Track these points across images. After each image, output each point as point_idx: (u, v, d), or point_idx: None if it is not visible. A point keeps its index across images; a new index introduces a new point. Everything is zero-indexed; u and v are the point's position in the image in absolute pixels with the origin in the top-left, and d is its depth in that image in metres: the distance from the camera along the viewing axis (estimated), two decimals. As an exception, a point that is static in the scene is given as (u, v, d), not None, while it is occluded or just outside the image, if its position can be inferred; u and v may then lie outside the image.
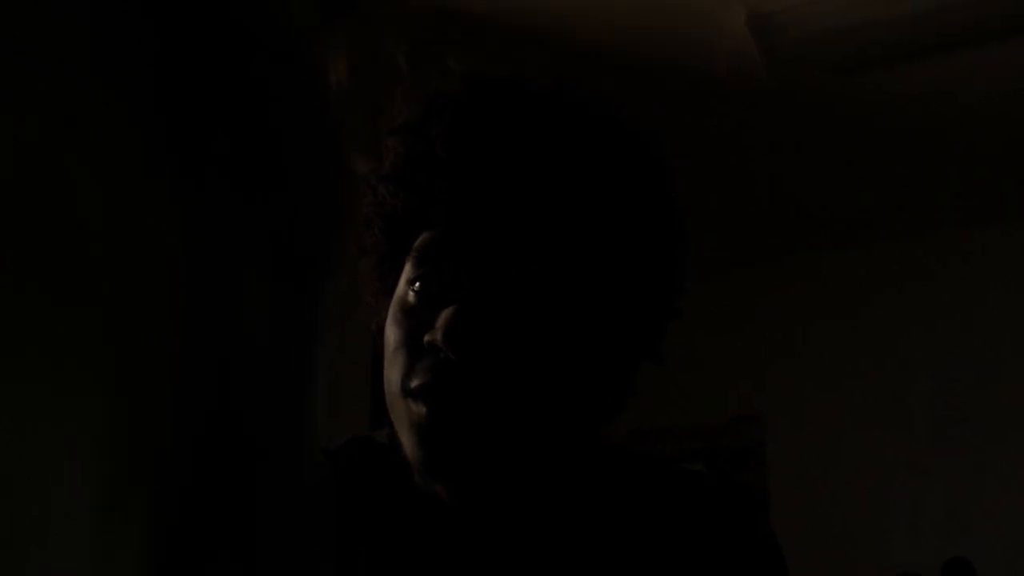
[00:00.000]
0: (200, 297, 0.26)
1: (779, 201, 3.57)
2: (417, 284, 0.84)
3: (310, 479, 0.29)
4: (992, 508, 3.51)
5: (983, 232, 3.73)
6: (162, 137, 0.25)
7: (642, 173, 0.87)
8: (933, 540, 3.49)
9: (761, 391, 3.90)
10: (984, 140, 3.23)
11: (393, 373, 0.83)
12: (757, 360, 3.92)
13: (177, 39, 0.26)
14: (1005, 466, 3.53)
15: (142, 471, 0.25)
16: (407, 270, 0.85)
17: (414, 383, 0.81)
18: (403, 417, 0.82)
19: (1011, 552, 3.42)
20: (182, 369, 0.25)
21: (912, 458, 3.66)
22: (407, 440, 0.82)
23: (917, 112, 3.07)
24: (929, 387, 3.70)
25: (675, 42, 2.72)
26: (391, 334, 0.85)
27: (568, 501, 0.88)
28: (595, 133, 0.85)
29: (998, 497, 3.52)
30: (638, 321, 0.88)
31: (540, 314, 0.81)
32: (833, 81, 2.91)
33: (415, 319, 0.83)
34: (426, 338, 0.81)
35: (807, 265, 3.94)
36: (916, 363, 3.73)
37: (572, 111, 0.86)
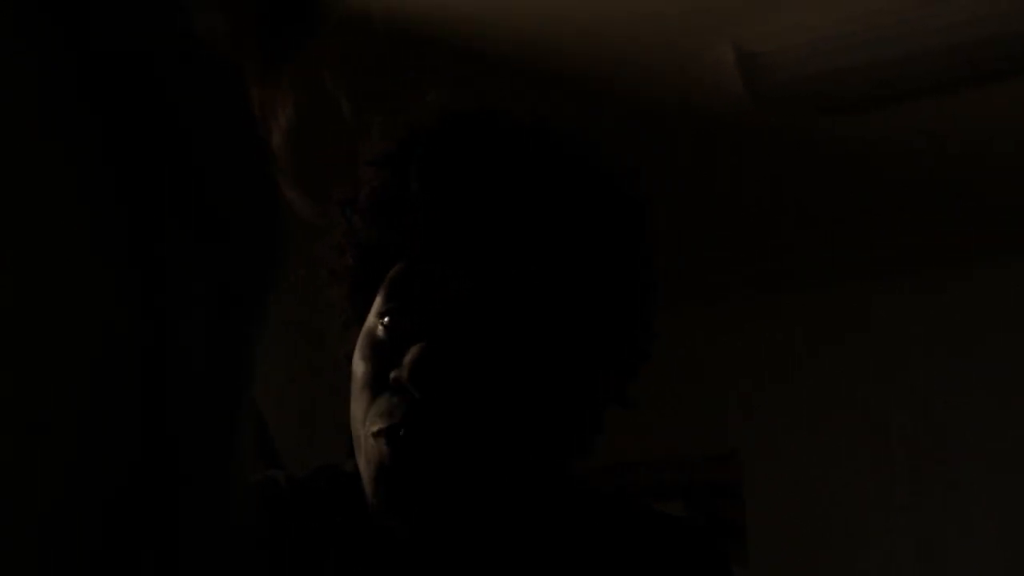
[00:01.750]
0: (139, 328, 0.26)
1: (759, 238, 3.58)
2: (386, 318, 0.83)
3: (239, 510, 0.29)
4: (967, 548, 3.51)
5: (963, 272, 3.74)
6: (109, 184, 0.26)
7: (614, 214, 0.87)
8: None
9: (739, 427, 3.89)
10: (967, 182, 3.25)
11: (358, 409, 0.83)
12: (735, 396, 3.92)
13: (120, 102, 0.26)
14: (981, 507, 3.53)
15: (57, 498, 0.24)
16: (378, 302, 0.85)
17: (378, 421, 0.80)
18: (366, 454, 0.81)
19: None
20: (108, 409, 0.25)
21: (888, 497, 3.66)
22: (367, 477, 0.82)
23: (902, 154, 3.08)
24: (906, 426, 3.71)
25: (663, 79, 2.74)
26: (358, 368, 0.84)
27: (526, 541, 0.88)
28: (569, 172, 0.85)
29: (974, 537, 3.52)
30: (604, 363, 0.88)
31: (507, 355, 0.81)
32: (820, 121, 2.92)
33: (383, 354, 0.82)
34: (392, 375, 0.80)
35: (787, 302, 3.94)
36: (893, 402, 3.74)
37: (547, 148, 0.86)
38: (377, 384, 0.82)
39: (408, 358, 0.79)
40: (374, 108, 0.88)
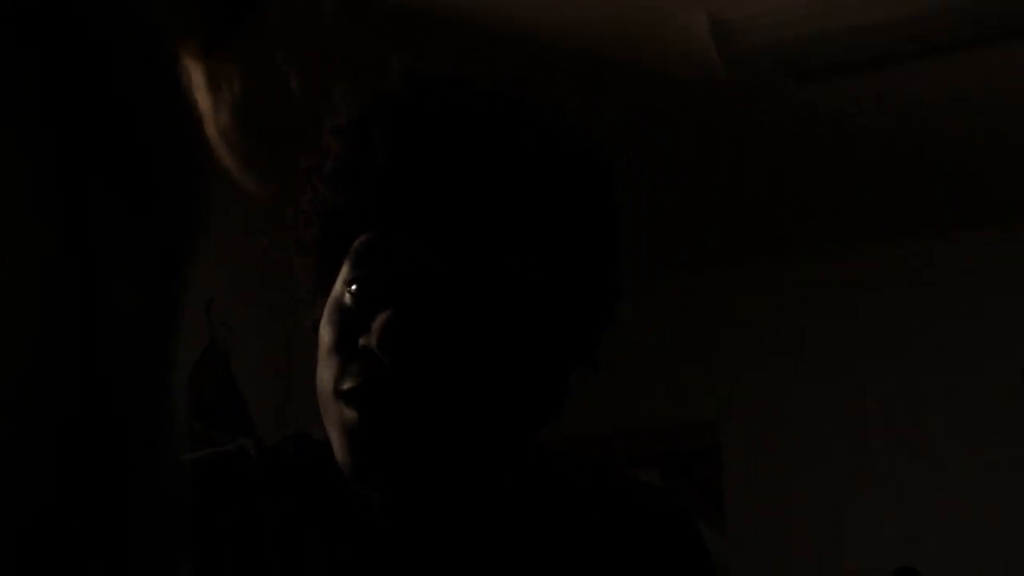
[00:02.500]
0: (69, 294, 0.26)
1: (735, 206, 3.58)
2: (353, 286, 0.83)
3: (173, 477, 0.29)
4: (945, 516, 3.55)
5: (940, 239, 3.76)
6: (43, 148, 0.25)
7: (580, 178, 0.87)
8: (886, 546, 3.52)
9: (717, 395, 3.91)
10: (943, 148, 3.26)
11: (326, 374, 0.83)
12: (713, 364, 3.94)
13: (54, 62, 0.26)
14: (960, 471, 3.56)
15: None
16: (344, 271, 0.85)
17: (346, 386, 0.80)
18: (335, 420, 0.82)
19: (961, 560, 3.45)
20: (42, 371, 0.25)
21: (866, 464, 3.68)
22: (337, 443, 0.82)
23: (877, 120, 3.09)
24: (885, 394, 3.73)
25: (635, 45, 2.73)
26: (325, 334, 0.84)
27: (497, 505, 0.88)
28: (535, 137, 0.85)
29: (951, 505, 3.55)
30: (572, 327, 0.88)
31: (474, 320, 0.81)
32: (793, 88, 2.92)
33: (350, 321, 0.82)
34: (360, 341, 0.80)
35: (764, 269, 3.96)
36: (872, 370, 3.76)
37: (513, 114, 0.86)
38: (345, 350, 0.82)
39: (376, 324, 0.79)
40: (336, 75, 0.88)
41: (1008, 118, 3.09)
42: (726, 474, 3.86)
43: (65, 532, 0.25)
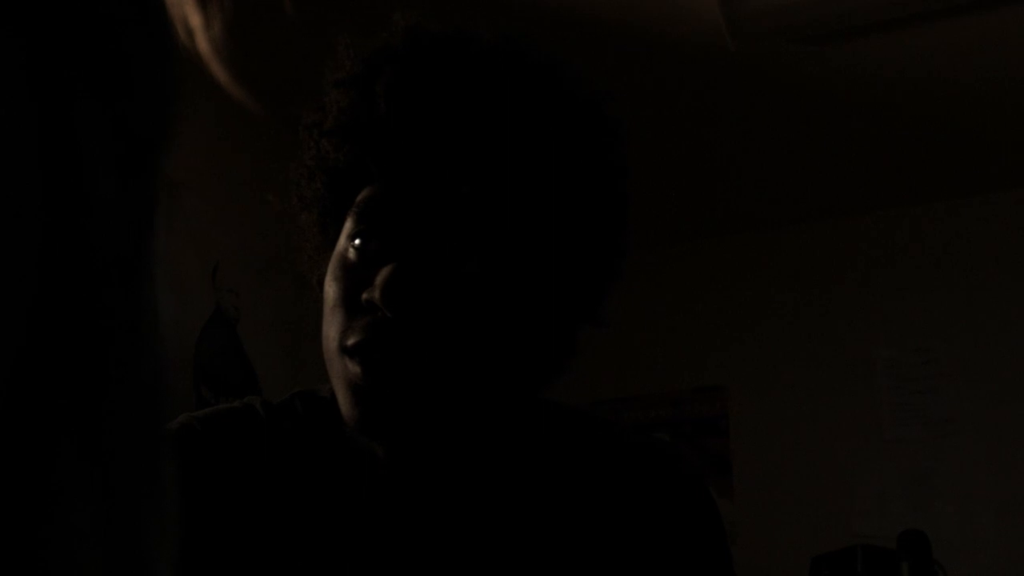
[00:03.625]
0: (47, 176, 0.26)
1: (743, 171, 3.57)
2: (357, 240, 0.84)
3: (154, 366, 0.29)
4: (952, 481, 3.55)
5: (948, 206, 3.75)
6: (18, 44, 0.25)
7: (585, 132, 0.87)
8: (894, 512, 3.53)
9: (725, 361, 3.91)
10: (946, 114, 3.23)
11: (331, 330, 0.83)
12: (721, 330, 3.94)
13: None
14: (968, 439, 3.56)
15: None
16: (348, 225, 0.85)
17: (350, 341, 0.80)
18: (339, 374, 0.82)
19: (969, 525, 3.46)
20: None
21: (875, 431, 3.69)
22: (343, 398, 0.82)
23: (883, 84, 3.07)
24: (893, 359, 3.73)
25: (640, 9, 2.71)
26: (330, 290, 0.84)
27: (501, 459, 0.89)
28: (538, 90, 0.85)
29: (961, 469, 3.55)
30: (576, 282, 0.88)
31: (477, 273, 0.81)
32: (799, 51, 2.90)
33: (354, 276, 0.83)
34: (364, 296, 0.80)
35: (772, 236, 3.95)
36: (880, 335, 3.76)
37: (516, 68, 0.85)
38: (349, 305, 0.82)
39: (379, 279, 0.79)
40: (338, 28, 0.87)
41: (1021, 84, 3.07)
42: (734, 440, 3.86)
43: (36, 407, 0.25)
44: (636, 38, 2.82)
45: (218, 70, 0.37)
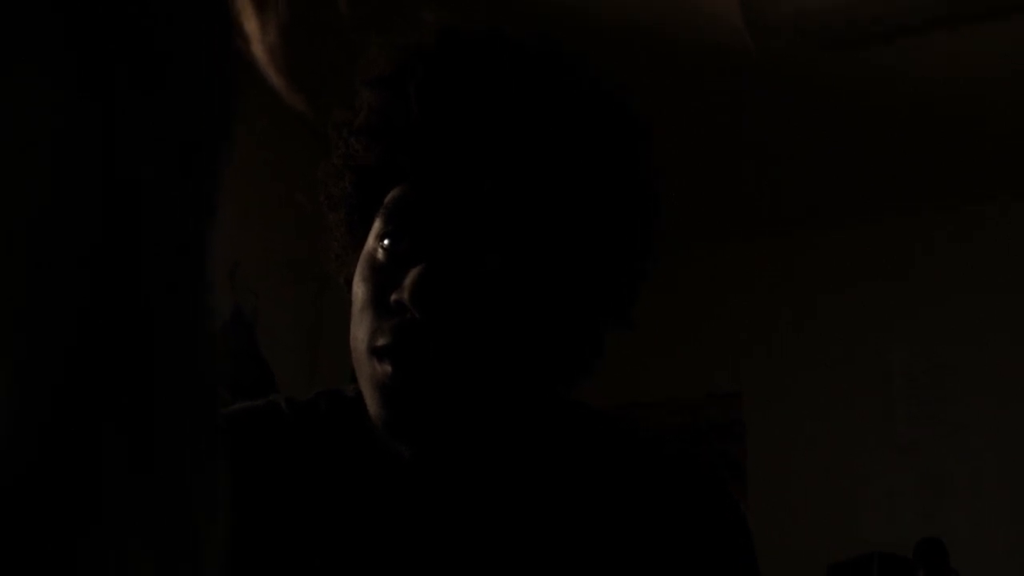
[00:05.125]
0: (93, 167, 0.26)
1: (763, 177, 3.56)
2: (386, 241, 0.83)
3: (207, 353, 0.29)
4: (968, 488, 3.53)
5: (967, 211, 3.74)
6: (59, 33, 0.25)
7: (615, 134, 0.86)
8: (908, 518, 3.51)
9: (740, 367, 3.90)
10: (972, 119, 3.22)
11: (360, 331, 0.83)
12: (737, 336, 3.93)
13: None
14: (983, 445, 3.55)
15: (14, 321, 0.24)
16: (377, 225, 0.85)
17: (380, 342, 0.80)
18: (368, 376, 0.82)
19: (985, 532, 3.44)
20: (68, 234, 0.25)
21: (889, 436, 3.67)
22: (371, 399, 0.82)
23: (905, 89, 3.06)
24: (908, 365, 3.71)
25: (665, 12, 2.71)
26: (359, 291, 0.84)
27: (526, 459, 0.88)
28: (569, 91, 0.85)
29: (974, 477, 3.53)
30: (604, 282, 0.87)
31: (507, 275, 0.81)
32: (822, 56, 2.90)
33: (383, 277, 0.82)
34: (393, 297, 0.80)
35: (789, 242, 3.94)
36: (896, 341, 3.74)
37: (548, 68, 0.85)
38: (378, 306, 0.82)
39: (408, 280, 0.79)
40: (370, 28, 0.87)
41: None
42: (749, 446, 3.85)
43: (87, 395, 0.25)
44: (659, 42, 2.82)
45: (274, 76, 0.37)
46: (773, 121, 3.22)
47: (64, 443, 0.25)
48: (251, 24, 0.35)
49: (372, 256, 0.84)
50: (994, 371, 3.59)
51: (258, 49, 0.36)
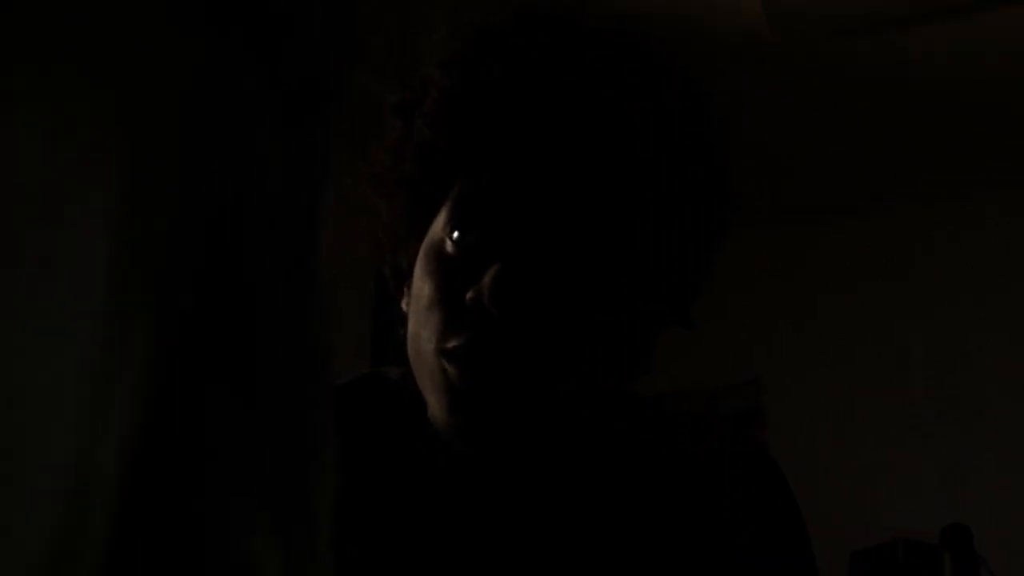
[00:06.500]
0: (211, 131, 0.25)
1: (783, 165, 3.55)
2: (456, 233, 0.78)
3: (314, 325, 0.28)
4: (991, 474, 3.52)
5: (988, 197, 3.72)
6: None
7: (699, 130, 0.82)
8: (932, 505, 3.50)
9: (762, 354, 3.90)
10: (991, 106, 3.20)
11: (426, 329, 0.77)
12: (759, 323, 3.92)
13: None
14: (1005, 433, 3.54)
15: (146, 283, 0.23)
16: (444, 216, 0.79)
17: (452, 343, 0.75)
18: (435, 377, 0.77)
19: (1009, 518, 3.43)
20: (189, 198, 0.24)
21: (912, 422, 3.66)
22: (437, 402, 0.77)
23: (923, 75, 3.04)
24: (930, 351, 3.70)
25: (680, 1, 2.70)
26: (424, 286, 0.79)
27: (581, 453, 0.84)
28: (658, 85, 0.80)
29: (997, 463, 3.52)
30: (676, 283, 0.84)
31: (591, 277, 0.77)
32: (839, 42, 2.88)
33: (453, 272, 0.77)
34: (468, 295, 0.75)
35: (811, 230, 3.93)
36: (918, 327, 3.73)
37: (633, 56, 0.81)
38: (449, 305, 0.76)
39: (488, 277, 0.73)
40: (438, 7, 0.83)
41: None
42: (770, 434, 3.84)
43: (196, 350, 0.25)
44: (677, 30, 2.81)
45: None
46: (790, 106, 3.21)
47: (182, 405, 0.24)
48: None
49: (439, 248, 0.79)
50: (1016, 358, 3.57)
51: None
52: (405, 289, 0.85)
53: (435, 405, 0.77)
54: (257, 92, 0.26)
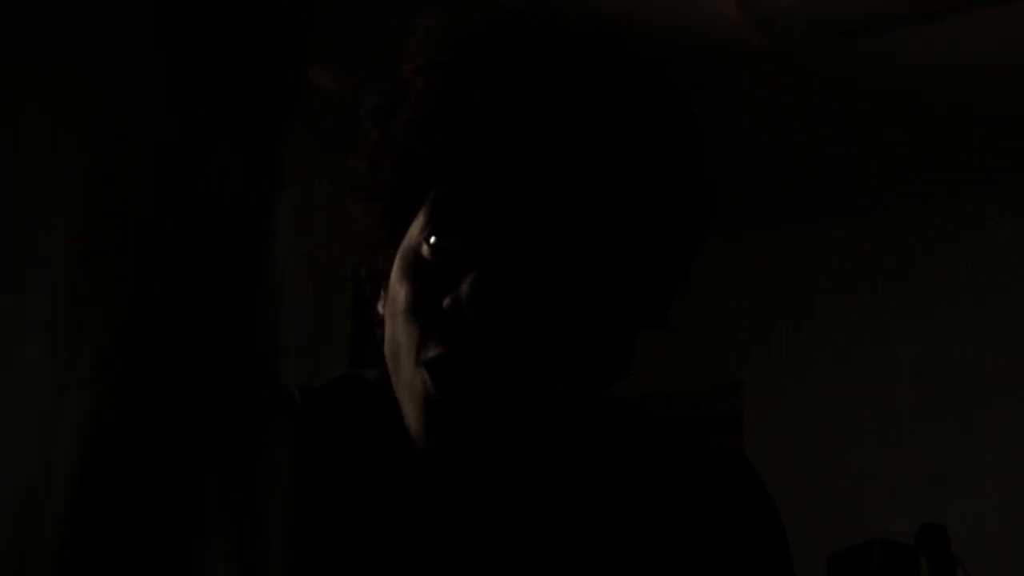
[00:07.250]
0: (180, 130, 0.25)
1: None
2: (434, 239, 0.76)
3: (270, 328, 0.28)
4: (970, 477, 3.53)
5: (971, 204, 3.73)
6: None
7: (695, 129, 0.81)
8: (911, 508, 3.51)
9: (741, 358, 3.90)
10: (976, 109, 3.21)
11: (403, 336, 0.75)
12: (738, 327, 3.92)
13: None
14: (988, 438, 3.54)
15: (107, 286, 0.24)
16: (421, 221, 0.77)
17: (431, 353, 0.73)
18: (413, 386, 0.75)
19: (987, 521, 3.44)
20: (156, 197, 0.25)
21: (892, 426, 3.67)
22: (413, 412, 0.75)
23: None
24: (911, 355, 3.71)
25: (659, 5, 2.70)
26: (402, 291, 0.76)
27: (561, 463, 0.83)
28: (651, 83, 0.79)
29: (977, 467, 3.53)
30: (657, 288, 0.83)
31: (576, 283, 0.75)
32: (820, 45, 2.89)
33: (430, 278, 0.75)
34: (446, 302, 0.73)
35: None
36: (898, 332, 3.74)
37: (622, 60, 0.79)
38: (426, 311, 0.74)
39: (467, 284, 0.71)
40: (419, 11, 0.81)
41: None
42: (750, 436, 3.85)
43: (164, 359, 0.25)
44: (654, 35, 2.81)
45: None
46: (772, 110, 3.21)
47: (145, 417, 0.24)
48: None
49: (415, 254, 0.77)
50: (998, 363, 3.59)
51: None
52: (382, 292, 0.84)
53: (410, 414, 0.76)
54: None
